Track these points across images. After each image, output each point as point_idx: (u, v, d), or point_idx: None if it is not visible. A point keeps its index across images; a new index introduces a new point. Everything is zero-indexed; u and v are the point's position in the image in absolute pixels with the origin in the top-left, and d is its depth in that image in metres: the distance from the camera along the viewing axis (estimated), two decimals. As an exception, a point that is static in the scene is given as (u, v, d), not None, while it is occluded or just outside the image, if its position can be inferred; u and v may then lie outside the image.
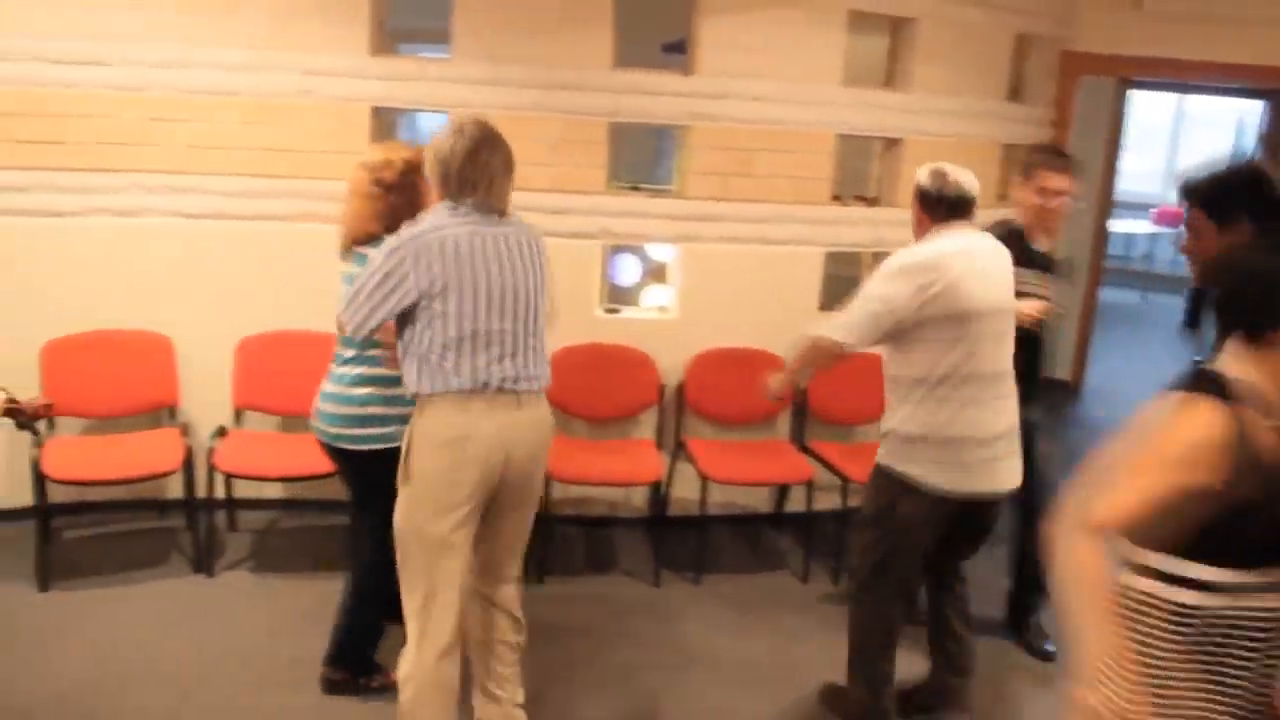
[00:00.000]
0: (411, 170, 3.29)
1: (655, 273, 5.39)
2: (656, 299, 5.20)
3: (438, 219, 2.92)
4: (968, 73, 5.10)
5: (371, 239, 3.24)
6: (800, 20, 4.75)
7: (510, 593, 3.21)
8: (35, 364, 4.40)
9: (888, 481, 3.29)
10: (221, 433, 4.54)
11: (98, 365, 4.50)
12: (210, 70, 4.41)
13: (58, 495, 4.28)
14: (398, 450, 2.97)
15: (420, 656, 2.98)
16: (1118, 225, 10.48)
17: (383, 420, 3.29)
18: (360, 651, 3.59)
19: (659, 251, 5.26)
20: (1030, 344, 3.71)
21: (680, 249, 4.93)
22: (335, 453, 3.39)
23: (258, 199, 4.55)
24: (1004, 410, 3.27)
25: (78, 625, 3.89)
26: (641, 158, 6.24)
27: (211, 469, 4.34)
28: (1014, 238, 3.69)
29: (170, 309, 4.60)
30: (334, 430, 3.34)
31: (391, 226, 3.15)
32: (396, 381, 3.06)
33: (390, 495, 3.00)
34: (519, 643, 3.24)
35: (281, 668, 3.70)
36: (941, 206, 3.26)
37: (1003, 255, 3.35)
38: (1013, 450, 3.31)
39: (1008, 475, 3.31)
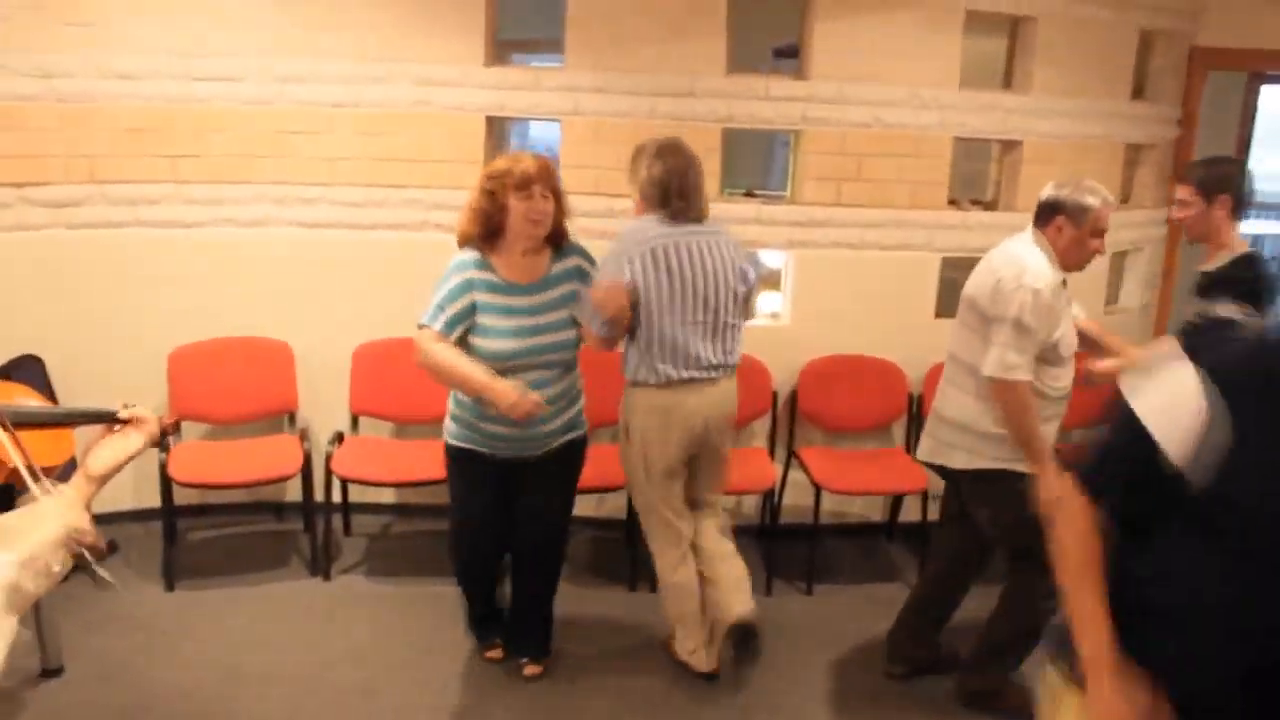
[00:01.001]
0: (492, 178, 3.38)
1: (768, 279, 5.33)
2: (769, 306, 5.14)
3: (649, 228, 3.43)
4: (1089, 72, 4.94)
5: (467, 240, 3.44)
6: (915, 22, 4.65)
7: (713, 516, 3.78)
8: (163, 371, 4.54)
9: None
10: (339, 439, 4.62)
11: (222, 372, 4.62)
12: (330, 83, 4.50)
13: (182, 498, 4.41)
14: (449, 446, 3.53)
15: (660, 565, 3.68)
16: (1247, 227, 10.06)
17: (453, 418, 3.55)
18: (469, 619, 3.99)
19: (771, 258, 5.21)
20: None
21: (793, 255, 4.88)
22: None
23: (376, 208, 4.63)
24: (943, 393, 3.54)
25: (200, 624, 4.00)
26: (754, 163, 6.21)
27: (328, 474, 4.43)
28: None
29: (291, 317, 4.70)
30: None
31: (472, 231, 3.40)
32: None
33: (453, 485, 3.63)
34: (728, 546, 3.73)
35: (394, 669, 3.76)
36: None
37: (996, 261, 3.39)
38: (933, 431, 3.58)
39: (932, 451, 3.59)
